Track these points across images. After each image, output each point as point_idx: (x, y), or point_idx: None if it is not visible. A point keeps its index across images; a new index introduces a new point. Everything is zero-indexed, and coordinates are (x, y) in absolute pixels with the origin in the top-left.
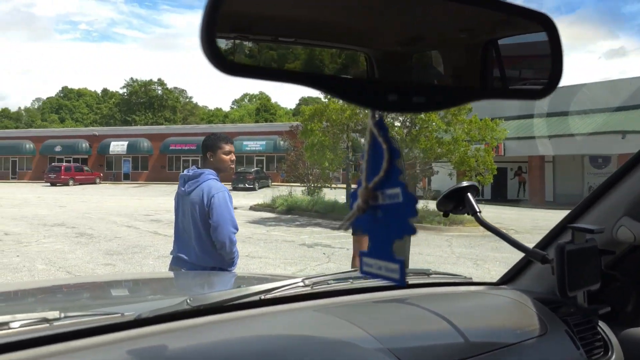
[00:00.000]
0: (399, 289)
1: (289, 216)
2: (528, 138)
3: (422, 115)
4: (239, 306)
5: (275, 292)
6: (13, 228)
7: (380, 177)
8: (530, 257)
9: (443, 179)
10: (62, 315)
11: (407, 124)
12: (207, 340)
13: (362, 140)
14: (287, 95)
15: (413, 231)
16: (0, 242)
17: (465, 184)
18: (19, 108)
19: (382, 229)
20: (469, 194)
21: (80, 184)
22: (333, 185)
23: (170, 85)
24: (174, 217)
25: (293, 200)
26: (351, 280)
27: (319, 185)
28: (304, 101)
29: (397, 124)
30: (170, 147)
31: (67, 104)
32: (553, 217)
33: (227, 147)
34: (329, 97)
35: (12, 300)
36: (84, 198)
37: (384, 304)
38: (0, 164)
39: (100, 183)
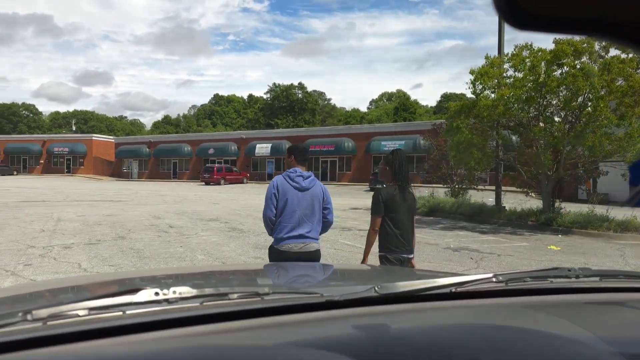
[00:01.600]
0: (611, 292)
1: (431, 218)
2: None
3: (589, 109)
4: (428, 297)
5: (467, 286)
6: (176, 222)
7: None
8: None
9: (613, 180)
10: (271, 291)
11: (570, 118)
12: (396, 327)
13: (514, 137)
14: (427, 92)
15: None
16: (166, 233)
17: None
18: (178, 115)
19: None
20: None
21: (230, 183)
22: (480, 187)
23: (309, 89)
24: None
25: (435, 202)
26: (550, 280)
27: (464, 186)
28: (446, 98)
29: (556, 119)
30: (310, 149)
31: (218, 110)
32: None
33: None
34: (477, 92)
35: (226, 278)
36: (234, 196)
37: (603, 306)
38: (163, 165)
39: (247, 183)
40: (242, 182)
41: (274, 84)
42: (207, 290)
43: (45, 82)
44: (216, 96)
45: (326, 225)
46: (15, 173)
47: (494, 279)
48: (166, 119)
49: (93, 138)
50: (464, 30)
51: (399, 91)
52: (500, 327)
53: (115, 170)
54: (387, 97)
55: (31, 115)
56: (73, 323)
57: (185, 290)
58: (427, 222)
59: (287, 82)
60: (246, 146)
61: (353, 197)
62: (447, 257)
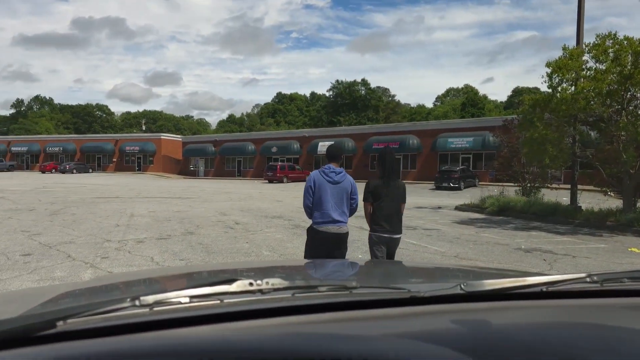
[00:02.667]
0: None
1: (501, 217)
2: None
3: None
4: (517, 296)
5: (559, 286)
6: (242, 218)
7: None
8: None
9: None
10: (359, 285)
11: None
12: (490, 324)
13: (592, 133)
14: (498, 87)
15: None
16: (233, 230)
17: None
18: (242, 114)
19: None
20: None
21: (293, 181)
22: (554, 186)
23: (373, 85)
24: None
25: (505, 201)
26: None
27: (537, 185)
28: (518, 92)
29: None
30: (374, 147)
31: (281, 108)
32: None
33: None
34: (554, 85)
35: (313, 271)
36: (296, 194)
37: None
38: (228, 163)
39: None
40: (304, 180)
41: (337, 81)
42: (298, 282)
43: (118, 83)
44: (279, 94)
45: (352, 211)
46: (90, 171)
47: (587, 279)
48: (231, 118)
49: (162, 137)
50: (537, 21)
51: (467, 86)
52: (604, 328)
53: (183, 168)
54: (454, 92)
55: (104, 115)
56: (176, 310)
57: (277, 282)
58: (497, 221)
59: (350, 79)
60: (309, 144)
61: (418, 196)
62: (518, 258)
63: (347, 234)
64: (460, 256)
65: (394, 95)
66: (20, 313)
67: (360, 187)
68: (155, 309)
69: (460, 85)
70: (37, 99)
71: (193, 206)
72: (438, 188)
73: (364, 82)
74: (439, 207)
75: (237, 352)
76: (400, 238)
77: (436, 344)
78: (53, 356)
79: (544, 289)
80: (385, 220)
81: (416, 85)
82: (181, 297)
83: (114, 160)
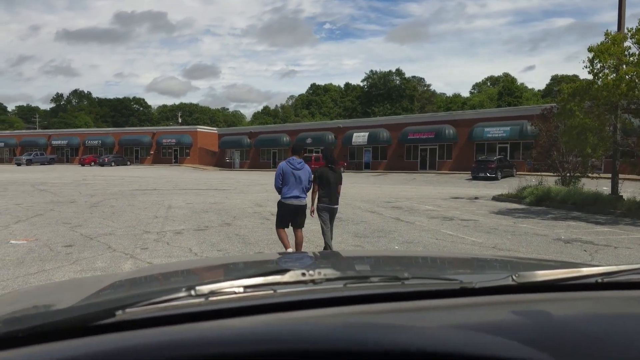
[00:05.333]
0: None
1: (540, 208)
2: None
3: None
4: (570, 287)
5: (616, 277)
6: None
7: None
8: None
9: None
10: (410, 276)
11: None
12: (542, 316)
13: (635, 120)
14: (536, 75)
15: None
16: (268, 221)
17: None
18: (276, 106)
19: None
20: None
21: None
22: (594, 175)
23: (408, 75)
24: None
25: (544, 191)
26: None
27: (577, 174)
28: (557, 80)
29: None
30: (409, 137)
31: (316, 100)
32: None
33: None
34: (595, 72)
35: (363, 262)
36: None
37: None
38: (263, 155)
39: (343, 172)
40: None
41: (371, 71)
42: (349, 273)
43: (157, 77)
44: (313, 86)
45: (307, 189)
46: (128, 163)
47: None
48: (265, 110)
49: (198, 129)
50: (574, 7)
51: (505, 74)
52: None
53: (219, 160)
54: (491, 81)
55: (141, 108)
56: (231, 300)
57: (329, 272)
58: (535, 212)
59: (384, 69)
60: (343, 135)
61: (454, 186)
62: (558, 249)
63: (305, 205)
64: (498, 247)
65: (429, 85)
66: (73, 303)
67: (395, 177)
68: (210, 298)
69: (498, 74)
70: (75, 93)
71: (229, 198)
72: (475, 178)
73: (399, 72)
74: (476, 198)
75: (292, 342)
76: (337, 208)
77: (494, 335)
78: (113, 346)
79: (599, 280)
80: (327, 195)
81: (452, 74)
82: (235, 287)
83: (151, 152)
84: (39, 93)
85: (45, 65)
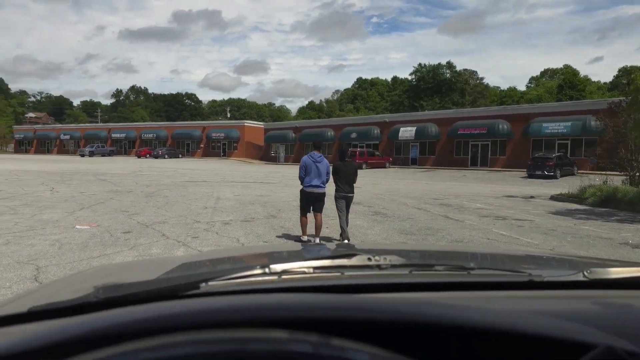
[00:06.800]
0: None
1: (604, 209)
2: None
3: None
4: None
5: None
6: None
7: None
8: None
9: None
10: (477, 266)
11: None
12: (614, 308)
13: None
14: (603, 67)
15: None
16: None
17: None
18: (321, 100)
19: None
20: None
21: (372, 167)
22: None
23: (459, 68)
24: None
25: (609, 191)
26: None
27: None
28: (626, 72)
29: None
30: (459, 132)
31: (362, 94)
32: None
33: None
34: None
35: (427, 251)
36: (376, 180)
37: None
38: (308, 149)
39: (389, 167)
40: (384, 167)
41: (420, 64)
42: (415, 260)
43: (209, 73)
44: (359, 80)
45: (327, 180)
46: (180, 156)
47: None
48: (310, 105)
49: (245, 124)
50: None
51: (565, 67)
52: None
53: (264, 154)
54: (550, 73)
55: (192, 103)
56: (301, 279)
57: (394, 259)
58: (599, 213)
59: (433, 62)
60: (389, 130)
61: (508, 184)
62: (625, 254)
63: (323, 194)
64: (556, 250)
65: (482, 78)
66: (156, 276)
67: (443, 174)
68: (283, 277)
69: (558, 66)
70: (133, 89)
71: (274, 191)
72: (530, 176)
73: (449, 65)
74: (532, 197)
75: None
76: (352, 197)
77: (569, 321)
78: (202, 306)
79: None
80: (342, 185)
81: (507, 67)
82: (305, 268)
83: (201, 146)
84: (102, 89)
85: (108, 63)
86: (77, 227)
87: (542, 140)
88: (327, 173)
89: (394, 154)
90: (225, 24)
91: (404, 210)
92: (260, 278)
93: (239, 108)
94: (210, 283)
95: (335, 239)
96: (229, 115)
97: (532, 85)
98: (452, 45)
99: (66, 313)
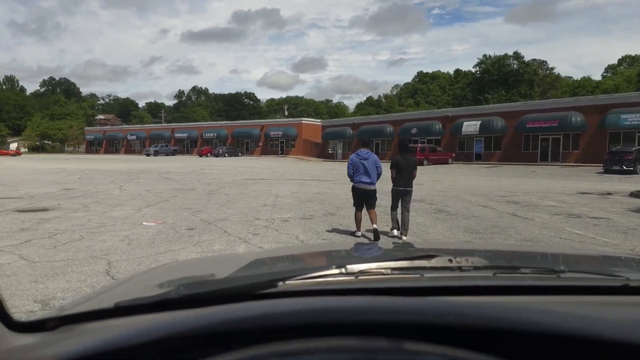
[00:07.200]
0: None
1: None
2: None
3: None
4: None
5: None
6: (380, 201)
7: None
8: None
9: None
10: (567, 269)
11: None
12: None
13: None
14: None
15: None
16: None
17: None
18: (379, 96)
19: None
20: None
21: (434, 163)
22: None
23: (527, 58)
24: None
25: None
26: None
27: None
28: None
29: None
30: (527, 125)
31: (422, 88)
32: None
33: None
34: None
35: (511, 252)
36: (438, 177)
37: None
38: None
39: (452, 163)
40: (446, 163)
41: (484, 55)
42: (498, 262)
43: (268, 72)
44: (420, 74)
45: (378, 175)
46: (240, 154)
47: None
48: (368, 101)
49: (302, 122)
50: None
51: None
52: None
53: (322, 151)
54: (629, 61)
55: (251, 102)
56: (379, 280)
57: (477, 260)
58: None
59: (498, 53)
60: (452, 125)
61: (581, 180)
62: None
63: (374, 190)
64: (637, 250)
65: (552, 68)
66: (230, 273)
67: (510, 170)
68: (360, 277)
69: (638, 53)
70: (194, 89)
71: (332, 188)
72: (607, 171)
73: (516, 56)
74: (609, 193)
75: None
76: (411, 190)
77: None
78: (281, 308)
79: None
80: (402, 179)
81: (581, 55)
82: (383, 269)
83: (260, 144)
84: (165, 90)
85: (171, 64)
86: (144, 223)
87: (620, 132)
88: (377, 167)
89: (457, 150)
90: (284, 22)
91: (469, 207)
92: (337, 278)
93: (297, 106)
94: (287, 282)
95: (394, 236)
96: (286, 113)
97: (608, 75)
98: (520, 35)
99: (150, 309)
